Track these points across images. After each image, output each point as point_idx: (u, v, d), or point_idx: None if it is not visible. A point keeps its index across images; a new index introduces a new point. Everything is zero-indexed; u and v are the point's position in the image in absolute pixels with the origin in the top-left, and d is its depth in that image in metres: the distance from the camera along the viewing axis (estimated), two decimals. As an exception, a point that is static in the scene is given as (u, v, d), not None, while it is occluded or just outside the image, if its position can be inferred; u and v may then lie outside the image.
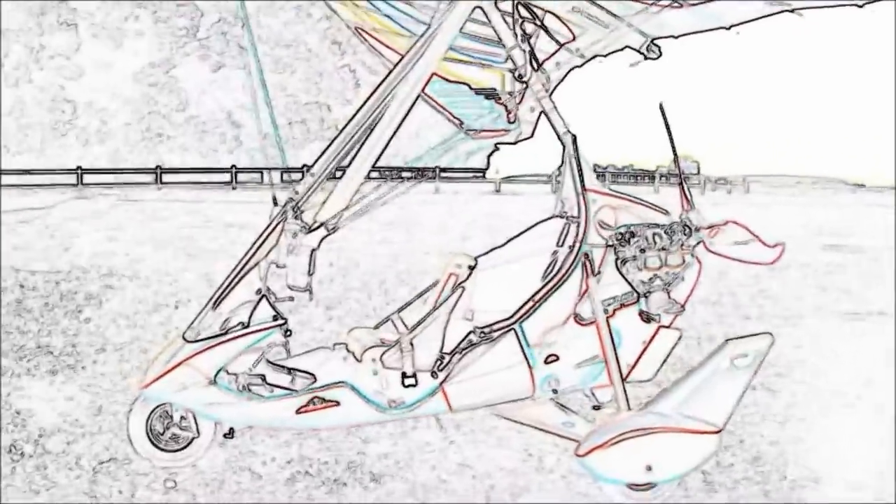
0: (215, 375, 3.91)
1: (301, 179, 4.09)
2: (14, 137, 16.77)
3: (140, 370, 5.33)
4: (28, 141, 17.01)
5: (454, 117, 4.32)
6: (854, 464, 3.92)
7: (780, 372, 5.07)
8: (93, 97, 17.70)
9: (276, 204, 4.11)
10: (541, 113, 4.15)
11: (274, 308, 4.03)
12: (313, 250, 3.91)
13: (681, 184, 4.32)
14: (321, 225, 3.90)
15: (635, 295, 4.13)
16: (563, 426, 4.06)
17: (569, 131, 4.06)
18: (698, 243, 4.23)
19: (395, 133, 3.94)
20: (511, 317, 3.99)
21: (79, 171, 16.66)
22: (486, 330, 3.97)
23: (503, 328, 3.98)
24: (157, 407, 4.00)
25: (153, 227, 11.90)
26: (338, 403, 3.92)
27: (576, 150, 4.06)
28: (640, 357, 4.22)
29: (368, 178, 4.00)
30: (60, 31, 17.41)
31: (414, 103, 3.98)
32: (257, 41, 4.99)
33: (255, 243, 4.01)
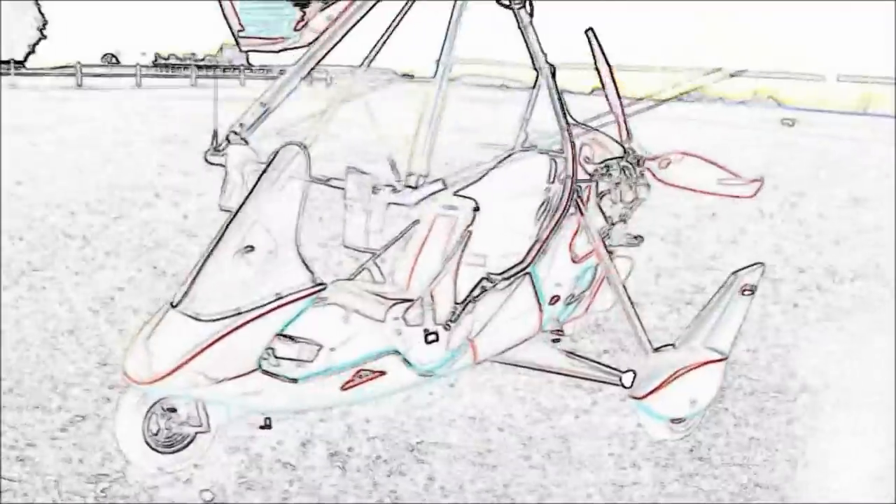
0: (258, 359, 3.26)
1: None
2: None
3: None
4: None
5: (239, 22, 3.77)
6: (854, 464, 4.05)
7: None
8: None
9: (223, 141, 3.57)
10: (332, 22, 3.79)
11: (308, 268, 3.38)
12: (388, 205, 3.29)
13: (622, 113, 4.34)
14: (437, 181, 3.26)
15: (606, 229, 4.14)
16: (572, 367, 3.96)
17: (548, 62, 3.87)
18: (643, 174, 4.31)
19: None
20: (524, 260, 3.77)
21: None
22: (503, 275, 3.71)
23: (519, 272, 3.75)
24: (157, 402, 3.28)
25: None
26: (383, 373, 3.48)
27: (555, 83, 3.88)
28: (598, 288, 4.26)
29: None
30: None
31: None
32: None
33: (251, 191, 3.34)
